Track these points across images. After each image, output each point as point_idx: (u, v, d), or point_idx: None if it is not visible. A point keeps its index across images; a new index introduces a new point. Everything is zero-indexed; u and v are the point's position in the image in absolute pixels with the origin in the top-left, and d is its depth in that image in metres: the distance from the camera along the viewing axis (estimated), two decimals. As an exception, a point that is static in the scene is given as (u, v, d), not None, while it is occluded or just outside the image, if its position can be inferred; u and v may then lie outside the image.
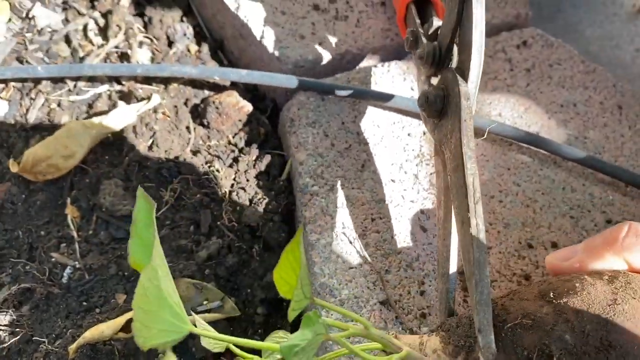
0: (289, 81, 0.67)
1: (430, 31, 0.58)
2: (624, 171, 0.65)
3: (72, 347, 0.54)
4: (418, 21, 0.62)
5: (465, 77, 0.51)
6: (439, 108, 0.53)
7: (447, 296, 0.49)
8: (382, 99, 0.66)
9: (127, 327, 0.56)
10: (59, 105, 0.75)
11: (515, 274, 0.58)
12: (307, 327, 0.39)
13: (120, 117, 0.68)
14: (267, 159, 0.67)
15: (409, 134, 0.67)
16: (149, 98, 0.71)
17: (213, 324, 0.57)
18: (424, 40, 0.57)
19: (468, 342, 0.42)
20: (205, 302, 0.58)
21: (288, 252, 0.40)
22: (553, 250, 0.59)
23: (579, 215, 0.63)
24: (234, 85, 0.75)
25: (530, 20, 0.83)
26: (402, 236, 0.59)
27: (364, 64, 0.74)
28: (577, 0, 1.11)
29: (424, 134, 0.67)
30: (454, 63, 0.54)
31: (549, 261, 0.47)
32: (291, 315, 0.41)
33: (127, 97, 0.74)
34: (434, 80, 0.56)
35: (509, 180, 0.65)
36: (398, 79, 0.71)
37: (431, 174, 0.64)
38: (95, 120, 0.68)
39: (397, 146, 0.65)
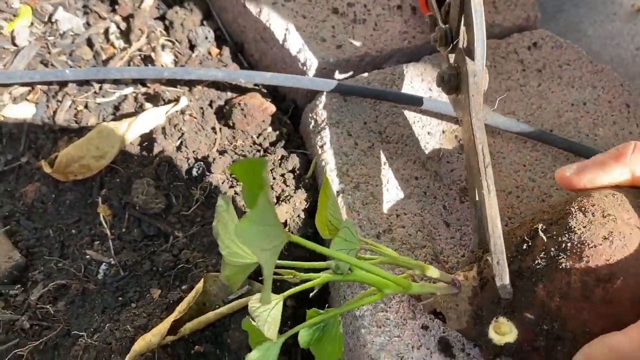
0: (314, 83, 0.69)
1: (445, 15, 0.64)
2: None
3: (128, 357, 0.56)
4: (435, 5, 0.66)
5: (472, 56, 0.57)
6: (454, 85, 0.60)
7: (478, 227, 0.55)
8: (413, 103, 0.69)
9: (172, 330, 0.58)
10: (85, 107, 0.77)
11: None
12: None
13: (150, 119, 0.71)
14: (293, 158, 0.69)
15: (429, 133, 0.69)
16: (177, 100, 0.73)
17: (245, 310, 0.59)
18: (440, 23, 0.64)
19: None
20: (235, 290, 0.60)
21: (322, 196, 0.46)
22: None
23: (592, 209, 0.66)
24: (256, 87, 0.78)
25: (538, 22, 0.86)
26: (426, 231, 0.62)
27: (384, 65, 0.76)
28: (578, 0, 1.14)
29: (443, 132, 0.70)
30: (464, 43, 0.61)
31: (559, 173, 0.52)
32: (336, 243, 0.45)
33: (154, 99, 0.76)
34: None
35: (524, 176, 0.68)
36: (416, 79, 0.74)
37: (451, 171, 0.67)
38: (125, 121, 0.70)
39: (418, 144, 0.68)
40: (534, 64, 0.79)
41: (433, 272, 0.50)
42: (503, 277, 0.47)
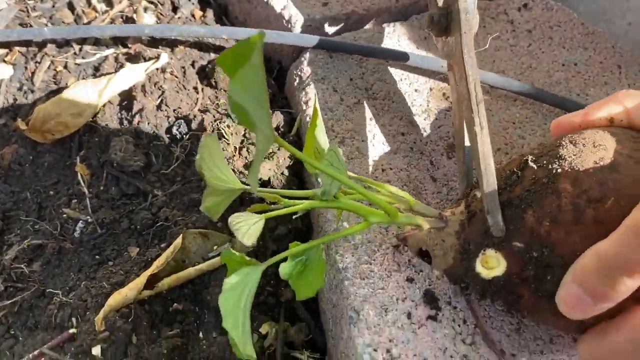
0: (302, 40, 0.67)
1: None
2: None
3: (98, 317, 0.54)
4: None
5: None
6: (443, 26, 0.58)
7: (466, 172, 0.55)
8: (399, 59, 0.67)
9: (149, 284, 0.56)
10: (65, 67, 0.75)
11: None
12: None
13: (129, 76, 0.69)
14: (277, 115, 0.67)
15: (416, 90, 0.68)
16: (157, 57, 0.71)
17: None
18: None
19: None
20: (215, 248, 0.58)
21: (311, 128, 0.46)
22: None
23: (583, 166, 0.64)
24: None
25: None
26: (413, 185, 0.60)
27: (370, 24, 0.75)
28: (570, -23, 1.13)
29: (431, 89, 0.68)
30: None
31: (554, 122, 0.52)
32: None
33: (134, 58, 0.74)
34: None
35: (514, 133, 0.66)
36: (403, 38, 0.72)
37: (439, 127, 0.65)
38: (104, 78, 0.68)
39: (405, 101, 0.66)
40: (524, 24, 0.77)
41: (420, 206, 0.48)
42: (495, 214, 0.45)
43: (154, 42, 0.76)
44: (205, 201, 0.48)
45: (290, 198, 0.48)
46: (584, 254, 0.41)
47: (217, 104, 0.70)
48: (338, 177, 0.45)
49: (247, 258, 0.47)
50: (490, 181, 0.47)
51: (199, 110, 0.70)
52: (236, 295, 0.44)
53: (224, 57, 0.37)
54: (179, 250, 0.58)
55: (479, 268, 0.47)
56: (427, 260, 0.52)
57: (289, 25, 0.71)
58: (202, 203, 0.48)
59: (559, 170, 0.44)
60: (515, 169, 0.48)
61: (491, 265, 0.46)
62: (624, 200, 0.41)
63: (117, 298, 0.55)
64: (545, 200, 0.44)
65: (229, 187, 0.47)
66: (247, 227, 0.43)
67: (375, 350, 0.48)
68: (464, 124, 0.54)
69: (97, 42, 0.77)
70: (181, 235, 0.58)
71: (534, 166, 0.46)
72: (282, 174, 0.64)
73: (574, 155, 0.45)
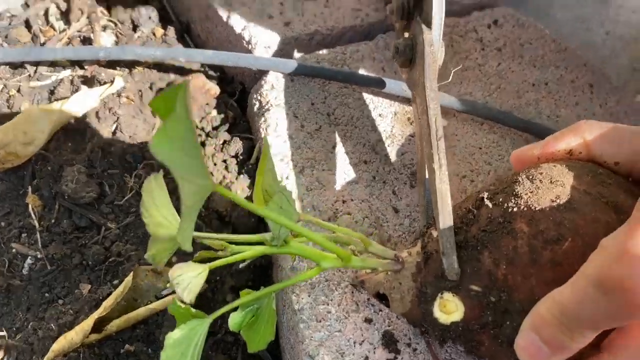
0: (258, 62, 0.65)
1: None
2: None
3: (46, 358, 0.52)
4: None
5: (429, 26, 0.54)
6: (408, 57, 0.57)
7: (426, 207, 0.53)
8: (374, 85, 0.65)
9: (97, 327, 0.54)
10: (18, 91, 0.72)
11: (488, 253, 0.57)
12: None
13: (82, 102, 0.66)
14: (236, 142, 0.65)
15: (380, 115, 0.65)
16: (112, 82, 0.68)
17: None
18: None
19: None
20: (168, 285, 0.56)
21: (261, 164, 0.44)
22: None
23: (551, 193, 0.62)
24: (202, 69, 0.73)
25: (501, 1, 0.83)
26: (374, 217, 0.58)
27: (334, 44, 0.72)
28: (548, -17, 1.11)
29: (395, 114, 0.66)
30: (421, 14, 0.57)
31: (513, 154, 0.50)
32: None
33: (90, 81, 0.71)
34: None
35: (480, 159, 0.64)
36: (367, 59, 0.70)
37: (403, 154, 0.63)
38: (56, 105, 0.66)
39: (368, 127, 0.64)
40: (494, 42, 0.75)
41: (375, 247, 0.46)
42: (450, 255, 0.43)
43: (111, 64, 0.73)
44: (150, 249, 0.46)
45: (237, 244, 0.46)
46: (542, 301, 0.40)
47: (175, 129, 0.67)
48: (285, 224, 0.42)
49: (194, 310, 0.45)
50: (446, 221, 0.45)
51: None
52: (179, 352, 0.41)
53: (156, 102, 0.34)
54: (130, 289, 0.55)
55: (437, 313, 0.45)
56: (386, 303, 0.50)
57: (249, 47, 0.69)
58: (147, 251, 0.46)
59: (515, 209, 0.42)
60: (471, 207, 0.46)
61: (449, 309, 0.44)
62: (581, 241, 0.40)
63: (62, 343, 0.52)
64: (501, 241, 0.42)
65: (171, 234, 0.44)
66: (188, 280, 0.41)
67: (328, 400, 0.46)
68: (424, 160, 0.52)
69: (53, 64, 0.74)
70: (132, 272, 0.56)
71: (490, 204, 0.44)
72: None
73: (530, 192, 0.43)
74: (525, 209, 0.42)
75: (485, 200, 0.44)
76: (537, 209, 0.41)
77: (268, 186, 0.47)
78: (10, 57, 0.71)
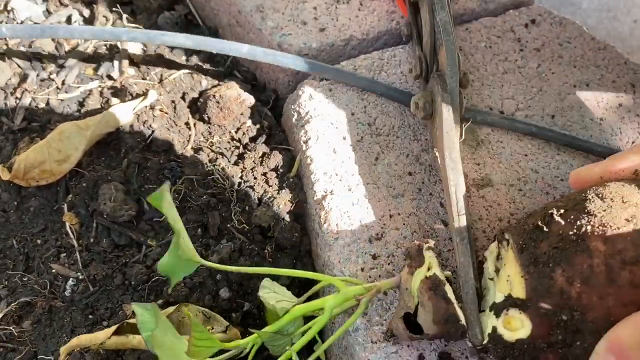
0: (297, 63, 0.63)
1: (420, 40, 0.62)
2: None
3: (63, 348, 0.52)
4: (412, 18, 0.62)
5: (446, 77, 0.54)
6: (429, 112, 0.57)
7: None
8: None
9: (119, 330, 0.53)
10: (47, 104, 0.71)
11: (540, 266, 0.56)
12: None
13: (116, 117, 0.64)
14: (276, 155, 0.64)
15: (420, 122, 0.64)
16: (145, 94, 0.67)
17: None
18: (416, 38, 0.61)
19: None
20: (209, 329, 0.55)
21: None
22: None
23: (600, 200, 0.61)
24: (233, 76, 0.72)
25: (534, -3, 0.80)
26: (422, 232, 0.56)
27: (370, 49, 0.70)
28: (573, -28, 1.08)
29: (437, 122, 0.64)
30: (439, 66, 0.57)
31: (572, 175, 0.50)
32: None
33: (121, 93, 0.69)
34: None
35: (526, 167, 0.62)
36: (405, 64, 0.68)
37: (448, 164, 0.61)
38: (90, 120, 0.64)
39: (410, 136, 0.63)
40: (532, 42, 0.73)
41: (385, 284, 0.49)
42: (474, 327, 0.46)
43: (141, 74, 0.71)
44: None
45: None
46: (622, 325, 0.39)
47: (211, 141, 0.66)
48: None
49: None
50: (469, 294, 0.47)
51: (191, 148, 0.66)
52: None
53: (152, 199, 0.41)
54: (175, 320, 0.54)
55: (502, 329, 0.45)
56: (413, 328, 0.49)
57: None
58: None
59: (589, 227, 0.42)
60: (539, 223, 0.45)
61: (514, 326, 0.44)
62: None
63: (86, 336, 0.53)
64: (575, 258, 0.41)
65: None
66: None
67: None
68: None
69: (80, 75, 0.72)
70: (178, 305, 0.54)
71: (561, 221, 0.43)
72: (283, 219, 0.60)
73: (603, 211, 0.42)
74: (600, 227, 0.41)
75: (556, 216, 0.44)
76: (612, 228, 0.41)
77: None
78: (17, 33, 0.68)
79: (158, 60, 0.73)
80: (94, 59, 0.74)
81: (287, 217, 0.60)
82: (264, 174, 0.63)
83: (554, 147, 0.64)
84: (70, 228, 0.63)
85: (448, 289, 0.46)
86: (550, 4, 0.80)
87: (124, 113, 0.65)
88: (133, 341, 0.54)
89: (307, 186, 0.61)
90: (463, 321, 0.45)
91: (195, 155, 0.65)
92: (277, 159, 0.63)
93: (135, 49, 0.75)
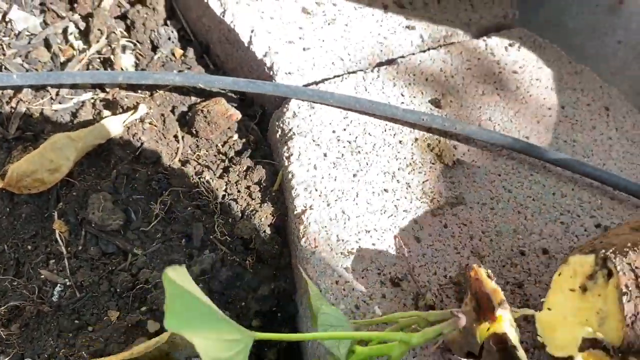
0: (278, 89, 0.66)
1: None
2: (610, 175, 0.66)
3: None
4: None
5: None
6: None
7: None
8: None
9: None
10: (41, 114, 0.73)
11: (509, 283, 0.58)
12: None
13: (107, 129, 0.67)
14: (259, 170, 0.66)
15: (400, 142, 0.66)
16: (135, 108, 0.69)
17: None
18: None
19: None
20: None
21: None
22: (545, 257, 0.60)
23: (569, 220, 0.64)
24: (220, 92, 0.74)
25: (517, 19, 0.83)
26: (397, 247, 0.59)
27: (354, 69, 0.73)
28: (559, -8, 1.11)
29: (416, 140, 0.67)
30: None
31: None
32: None
33: (112, 105, 0.72)
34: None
35: (499, 186, 0.65)
36: (388, 84, 0.71)
37: (423, 182, 0.64)
38: (81, 132, 0.66)
39: (389, 154, 0.65)
40: (512, 65, 0.76)
41: (433, 315, 0.48)
42: None
43: (133, 86, 0.74)
44: None
45: None
46: None
47: (198, 154, 0.69)
48: (343, 336, 0.43)
49: None
50: None
51: (179, 160, 0.68)
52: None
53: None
54: (168, 342, 0.56)
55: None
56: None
57: (271, 72, 0.70)
58: None
59: None
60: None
61: None
62: None
63: None
64: None
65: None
66: None
67: None
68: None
69: (75, 86, 0.75)
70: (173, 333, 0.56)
71: None
72: (264, 232, 0.63)
73: None
74: None
75: None
76: None
77: (314, 308, 0.47)
78: (29, 81, 0.71)
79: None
80: (88, 69, 0.77)
81: (268, 230, 0.63)
82: (248, 187, 0.65)
83: (527, 167, 0.67)
84: (60, 235, 0.65)
85: (516, 346, 0.44)
86: (536, 23, 0.83)
87: (114, 125, 0.67)
88: None
89: (288, 200, 0.63)
90: None
91: (182, 167, 0.67)
92: (260, 173, 0.66)
93: (128, 62, 0.78)
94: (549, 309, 0.49)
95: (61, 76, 0.71)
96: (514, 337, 0.44)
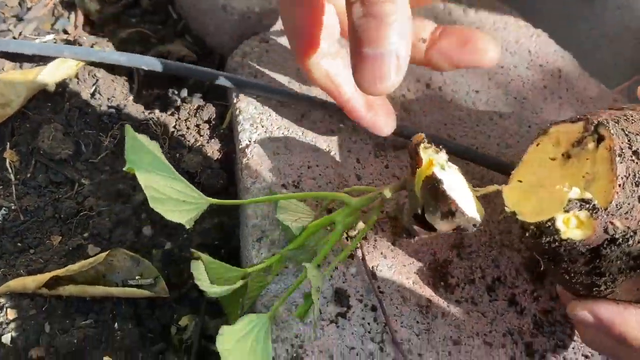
0: (204, 74, 0.66)
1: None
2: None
3: None
4: None
5: None
6: None
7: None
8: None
9: (51, 284, 0.56)
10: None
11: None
12: None
13: (59, 69, 0.68)
14: (209, 108, 0.67)
15: (350, 87, 0.68)
16: (93, 46, 0.70)
17: (137, 300, 0.57)
18: None
19: None
20: (138, 277, 0.57)
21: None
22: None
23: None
24: (181, 36, 0.75)
25: None
26: (336, 183, 0.60)
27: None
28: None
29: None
30: None
31: None
32: None
33: (73, 45, 0.73)
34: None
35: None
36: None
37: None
38: (34, 70, 0.68)
39: (338, 98, 0.66)
40: (472, 24, 0.77)
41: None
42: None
43: (96, 27, 0.75)
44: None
45: None
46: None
47: (151, 92, 0.70)
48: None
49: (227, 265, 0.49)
50: None
51: (132, 99, 0.70)
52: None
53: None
54: (102, 264, 0.56)
55: (560, 224, 0.42)
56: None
57: (227, 16, 0.71)
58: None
59: None
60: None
61: (575, 226, 0.42)
62: None
63: (17, 283, 0.55)
64: None
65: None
66: None
67: (281, 344, 0.49)
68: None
69: (37, 29, 0.76)
70: (109, 251, 0.57)
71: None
72: (209, 167, 0.64)
73: None
74: None
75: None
76: None
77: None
78: None
79: (113, 18, 0.77)
80: (53, 15, 0.78)
81: (214, 165, 0.64)
82: (197, 125, 0.67)
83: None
84: (10, 164, 0.66)
85: (448, 186, 0.44)
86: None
87: (67, 67, 0.68)
88: (97, 289, 0.56)
89: (235, 137, 0.64)
90: (469, 214, 0.44)
91: (134, 104, 0.68)
92: (210, 111, 0.67)
93: (93, 7, 0.79)
94: (519, 181, 0.48)
95: (8, 44, 0.71)
96: (439, 170, 0.45)
